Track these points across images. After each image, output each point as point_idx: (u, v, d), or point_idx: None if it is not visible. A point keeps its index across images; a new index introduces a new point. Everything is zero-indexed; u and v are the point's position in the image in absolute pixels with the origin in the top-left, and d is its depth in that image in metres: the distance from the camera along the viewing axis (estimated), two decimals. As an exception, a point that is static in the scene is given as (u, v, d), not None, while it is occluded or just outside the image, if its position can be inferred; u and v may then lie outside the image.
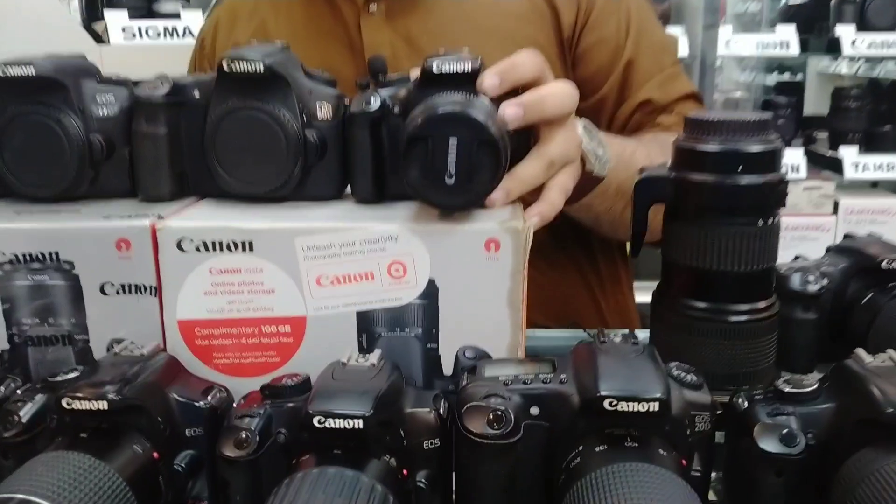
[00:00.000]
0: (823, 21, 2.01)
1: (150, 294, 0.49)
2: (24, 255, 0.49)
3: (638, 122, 0.85)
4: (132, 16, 1.61)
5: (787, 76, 2.59)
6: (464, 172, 0.45)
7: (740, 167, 0.52)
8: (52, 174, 0.53)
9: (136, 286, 0.49)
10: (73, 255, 0.49)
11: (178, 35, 1.64)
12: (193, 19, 1.66)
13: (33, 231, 0.49)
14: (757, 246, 0.53)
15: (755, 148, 0.52)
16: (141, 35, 1.59)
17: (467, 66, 0.48)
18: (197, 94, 0.54)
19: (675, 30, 1.78)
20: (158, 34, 1.62)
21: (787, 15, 2.24)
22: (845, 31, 1.84)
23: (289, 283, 0.48)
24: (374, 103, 0.52)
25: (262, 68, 0.50)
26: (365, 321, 0.49)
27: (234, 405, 0.45)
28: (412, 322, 0.49)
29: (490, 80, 0.50)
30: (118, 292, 0.49)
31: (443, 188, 0.45)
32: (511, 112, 0.50)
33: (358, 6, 0.84)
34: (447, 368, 0.49)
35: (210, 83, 0.54)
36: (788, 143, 1.93)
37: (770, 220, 0.53)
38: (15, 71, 0.52)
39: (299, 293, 0.49)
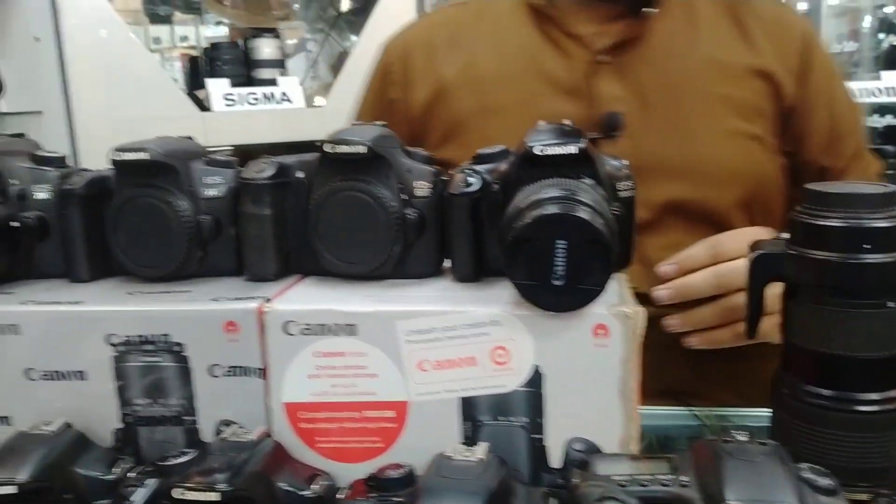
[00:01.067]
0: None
1: (257, 376, 0.50)
2: (137, 337, 0.50)
3: None
4: (234, 83, 1.69)
5: (889, 118, 2.49)
6: (573, 274, 0.43)
7: (866, 245, 0.49)
8: (163, 254, 0.55)
9: (242, 368, 0.50)
10: (183, 337, 0.50)
11: (275, 100, 1.71)
12: (290, 85, 1.73)
13: (146, 314, 0.50)
14: (885, 329, 0.49)
15: (882, 224, 0.49)
16: (241, 102, 1.67)
17: (573, 149, 0.47)
18: (300, 174, 0.55)
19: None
20: (257, 100, 1.69)
21: (891, 57, 2.15)
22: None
23: (391, 366, 0.48)
24: (475, 184, 0.52)
25: (364, 150, 0.51)
26: (468, 408, 0.47)
27: (340, 496, 0.44)
28: (517, 410, 0.47)
29: (665, 269, 0.64)
30: (226, 374, 0.50)
31: (551, 290, 0.44)
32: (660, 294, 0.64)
33: (591, 53, 0.83)
34: (554, 460, 0.47)
35: (313, 163, 0.54)
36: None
37: (899, 302, 0.49)
38: (130, 156, 0.54)
39: (401, 377, 0.48)
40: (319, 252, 0.54)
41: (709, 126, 0.83)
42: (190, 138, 0.60)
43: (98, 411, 0.52)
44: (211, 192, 0.56)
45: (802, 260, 0.50)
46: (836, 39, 3.16)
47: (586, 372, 0.46)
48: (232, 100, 1.66)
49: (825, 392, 0.49)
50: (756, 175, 0.84)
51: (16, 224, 0.57)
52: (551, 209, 0.43)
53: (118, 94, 1.58)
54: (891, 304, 0.49)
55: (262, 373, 0.50)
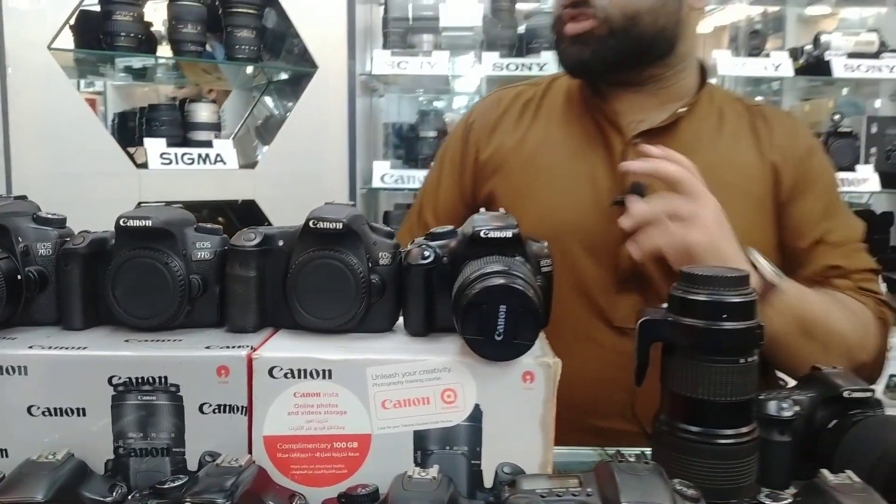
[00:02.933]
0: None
1: (241, 413, 0.58)
2: (136, 379, 0.58)
3: (819, 281, 0.99)
4: (169, 143, 1.75)
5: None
6: (510, 332, 0.55)
7: (724, 315, 0.63)
8: (158, 307, 0.62)
9: (230, 406, 0.58)
10: (179, 379, 0.58)
11: (210, 161, 1.78)
12: (224, 147, 1.80)
13: (147, 358, 0.58)
14: (739, 380, 0.63)
15: (736, 299, 0.63)
16: (177, 161, 1.73)
17: (509, 234, 0.60)
18: (281, 242, 0.65)
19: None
20: (192, 160, 1.76)
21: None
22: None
23: (358, 405, 0.57)
24: (429, 257, 0.63)
25: (340, 226, 0.61)
26: (420, 439, 0.58)
27: (317, 512, 0.53)
28: (460, 441, 0.57)
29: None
30: (214, 411, 0.58)
31: (493, 344, 0.55)
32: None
33: (626, 140, 1.00)
34: (487, 482, 0.58)
35: (293, 234, 0.64)
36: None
37: (749, 359, 0.63)
38: (134, 223, 0.62)
39: (367, 414, 0.57)
40: (295, 308, 0.63)
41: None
42: (181, 207, 0.68)
43: (93, 443, 0.58)
44: (201, 255, 0.65)
45: (677, 325, 0.64)
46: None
47: (516, 409, 0.57)
48: (168, 159, 1.72)
49: (693, 428, 0.62)
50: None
51: (20, 277, 0.63)
52: (497, 281, 0.55)
53: (58, 148, 1.61)
54: (742, 361, 0.63)
55: (247, 410, 0.58)
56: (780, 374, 1.00)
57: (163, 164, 1.72)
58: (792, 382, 0.77)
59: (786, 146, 1.02)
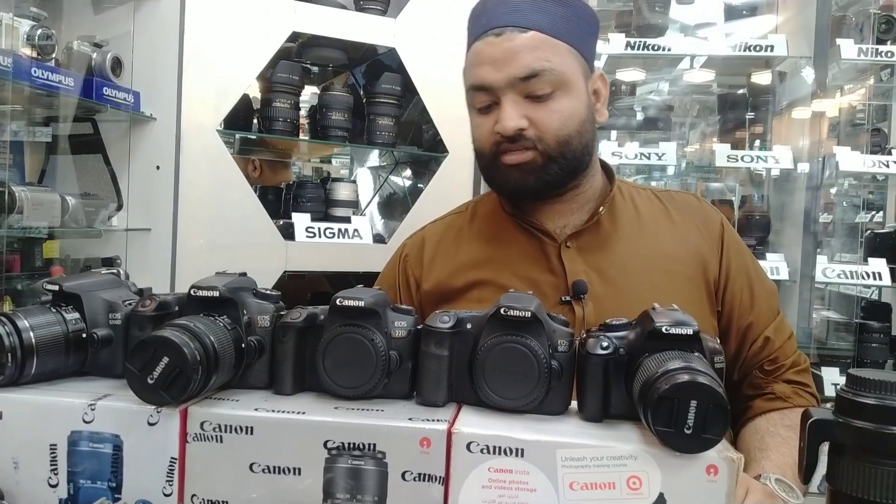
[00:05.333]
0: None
1: (439, 483, 0.62)
2: (349, 444, 0.64)
3: (759, 360, 1.08)
4: (313, 218, 1.88)
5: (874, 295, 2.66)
6: (700, 426, 0.57)
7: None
8: (362, 378, 0.68)
9: (429, 475, 0.62)
10: (386, 447, 0.63)
11: (348, 236, 1.90)
12: (361, 223, 1.92)
13: (360, 426, 0.64)
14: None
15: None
16: (319, 234, 1.85)
17: (689, 331, 0.63)
18: (469, 326, 0.70)
19: (776, 256, 1.94)
20: (333, 234, 1.87)
21: (873, 243, 2.37)
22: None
23: (548, 484, 0.61)
24: (608, 347, 0.67)
25: (529, 315, 0.66)
26: (605, 522, 0.60)
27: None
28: (644, 527, 0.60)
29: None
30: (415, 479, 0.63)
31: (682, 436, 0.57)
32: None
33: (558, 244, 1.07)
34: (671, 570, 0.59)
35: (482, 319, 0.69)
36: (882, 366, 1.99)
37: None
38: (349, 302, 0.69)
39: (555, 494, 0.61)
40: (481, 387, 0.68)
41: (659, 295, 0.98)
42: (384, 294, 0.74)
43: (305, 501, 0.64)
44: (399, 333, 0.71)
45: (848, 427, 0.65)
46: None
47: (699, 501, 0.59)
48: (312, 232, 1.84)
49: (869, 530, 0.62)
50: None
51: (244, 346, 0.71)
52: (687, 377, 0.58)
53: (218, 219, 1.76)
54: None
55: (444, 480, 0.62)
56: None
57: (307, 236, 1.84)
58: None
59: (702, 226, 1.11)
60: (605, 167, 1.16)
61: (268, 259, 1.79)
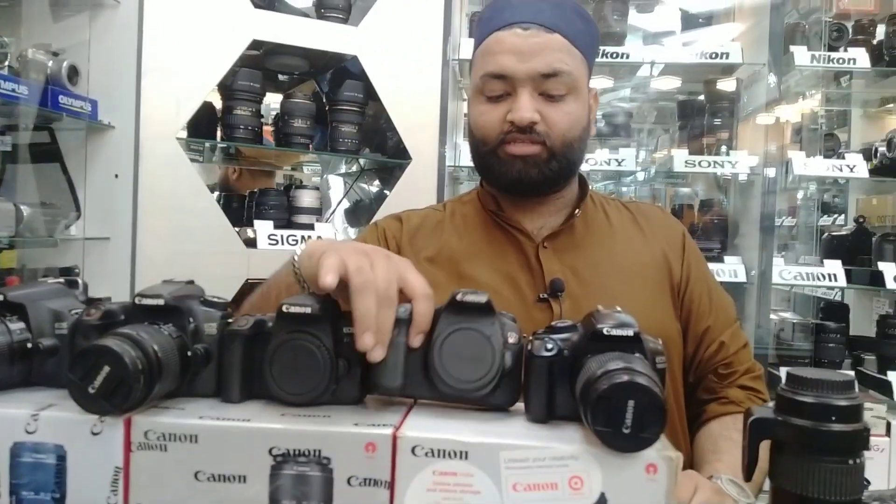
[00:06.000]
0: (865, 255, 2.18)
1: (384, 487, 0.62)
2: (294, 451, 0.63)
3: (713, 364, 1.12)
4: (276, 226, 1.87)
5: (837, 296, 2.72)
6: (637, 426, 0.58)
7: (833, 417, 0.65)
8: (310, 385, 0.68)
9: (374, 480, 0.62)
10: (332, 452, 0.63)
11: (311, 242, 1.89)
12: (325, 230, 1.91)
13: (305, 432, 0.63)
14: (848, 481, 0.64)
15: (844, 402, 0.65)
16: (282, 242, 1.84)
17: (630, 332, 0.64)
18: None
19: (733, 259, 1.98)
20: (296, 241, 1.87)
21: (830, 245, 2.42)
22: (887, 268, 1.99)
23: (491, 486, 0.61)
24: (552, 349, 0.67)
25: (484, 301, 0.67)
26: (548, 522, 0.61)
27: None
28: (587, 527, 0.60)
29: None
30: (360, 484, 0.63)
31: (620, 436, 0.58)
32: None
33: (536, 244, 1.11)
34: (610, 569, 0.60)
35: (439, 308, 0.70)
36: (839, 366, 2.04)
37: (857, 460, 0.65)
38: (295, 309, 0.68)
39: (499, 495, 0.61)
40: (437, 374, 0.67)
41: (629, 296, 1.06)
42: (332, 300, 0.74)
43: (250, 509, 0.63)
44: (346, 339, 0.71)
45: (786, 424, 0.66)
46: (777, 213, 3.50)
47: (639, 499, 0.60)
48: (275, 240, 1.83)
49: (807, 525, 0.63)
50: (667, 338, 1.05)
51: (190, 354, 0.71)
52: (625, 377, 0.59)
53: (179, 228, 1.74)
54: (850, 462, 0.64)
55: (389, 484, 0.62)
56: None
57: (270, 244, 1.83)
58: None
59: (666, 235, 1.17)
60: (579, 176, 1.19)
61: (229, 267, 1.77)
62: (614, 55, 2.21)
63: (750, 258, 2.07)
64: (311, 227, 1.92)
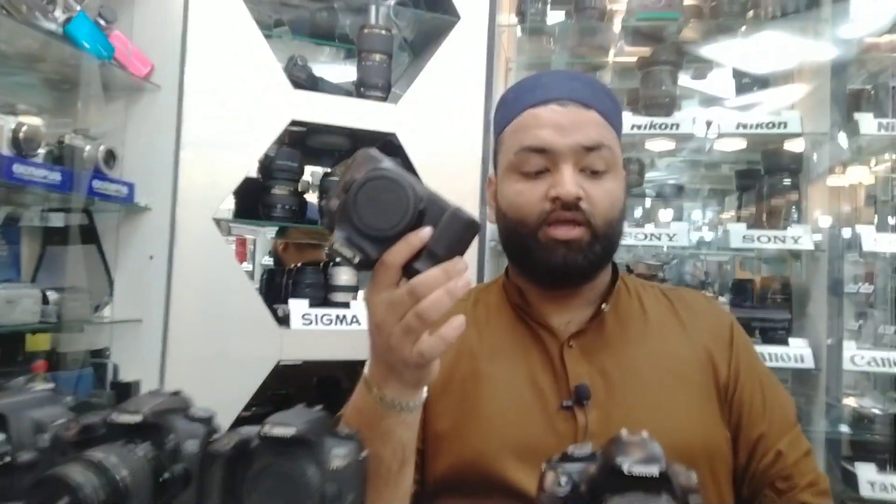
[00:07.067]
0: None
1: None
2: None
3: (770, 477, 0.98)
4: (312, 304, 1.83)
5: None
6: None
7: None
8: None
9: None
10: None
11: (346, 322, 1.84)
12: (361, 308, 1.86)
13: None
14: None
15: None
16: (317, 321, 1.79)
17: (655, 472, 0.54)
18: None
19: (800, 342, 1.82)
20: (330, 320, 1.82)
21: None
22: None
23: None
24: (566, 486, 0.58)
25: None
26: None
27: None
28: None
29: None
30: None
31: None
32: None
33: (561, 342, 1.00)
34: None
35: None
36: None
37: None
38: (277, 431, 0.62)
39: None
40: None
41: (667, 403, 0.95)
42: (327, 419, 0.68)
43: None
44: (337, 464, 0.63)
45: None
46: (852, 280, 3.29)
47: None
48: (309, 319, 1.79)
49: None
50: (713, 449, 0.96)
51: (166, 476, 0.64)
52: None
53: (211, 308, 1.72)
54: None
55: None
56: None
57: (304, 324, 1.79)
58: None
59: (711, 327, 1.04)
60: (611, 262, 1.09)
61: (261, 349, 1.73)
62: (662, 126, 2.13)
63: (817, 336, 1.90)
64: (346, 305, 1.87)
